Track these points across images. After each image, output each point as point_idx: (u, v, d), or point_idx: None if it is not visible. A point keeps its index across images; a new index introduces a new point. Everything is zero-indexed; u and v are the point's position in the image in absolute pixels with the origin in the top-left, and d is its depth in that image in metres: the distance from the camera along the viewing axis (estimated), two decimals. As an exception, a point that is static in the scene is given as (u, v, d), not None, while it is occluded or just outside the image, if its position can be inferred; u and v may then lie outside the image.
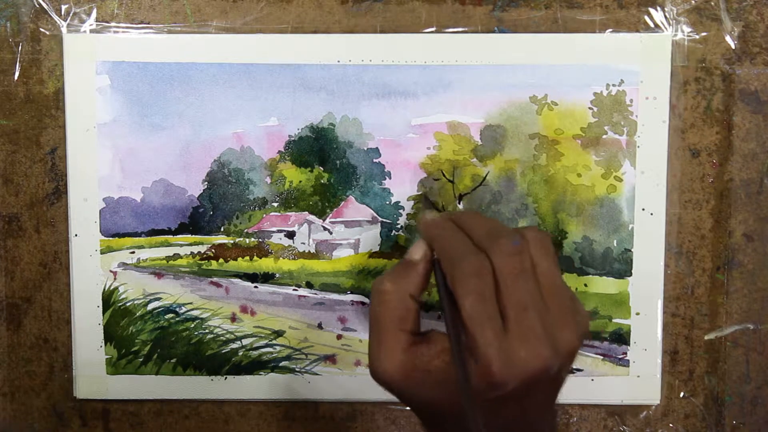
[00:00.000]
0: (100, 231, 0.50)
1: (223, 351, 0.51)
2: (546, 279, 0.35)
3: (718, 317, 0.51)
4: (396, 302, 0.36)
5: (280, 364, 0.51)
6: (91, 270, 0.50)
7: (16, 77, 0.50)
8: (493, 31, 0.49)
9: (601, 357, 0.51)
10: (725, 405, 0.51)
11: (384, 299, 0.36)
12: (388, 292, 0.36)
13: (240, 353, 0.51)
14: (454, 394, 0.34)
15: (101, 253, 0.50)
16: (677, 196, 0.50)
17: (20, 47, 0.49)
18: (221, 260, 0.51)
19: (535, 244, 0.36)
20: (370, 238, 0.51)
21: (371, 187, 0.51)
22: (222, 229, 0.51)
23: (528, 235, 0.36)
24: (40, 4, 0.49)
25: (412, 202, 0.51)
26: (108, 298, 0.51)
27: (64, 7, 0.49)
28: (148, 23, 0.50)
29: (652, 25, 0.49)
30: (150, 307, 0.51)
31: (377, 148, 0.50)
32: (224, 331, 0.51)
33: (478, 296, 0.34)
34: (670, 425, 0.51)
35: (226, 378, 0.51)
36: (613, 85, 0.49)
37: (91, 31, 0.49)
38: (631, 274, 0.50)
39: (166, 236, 0.51)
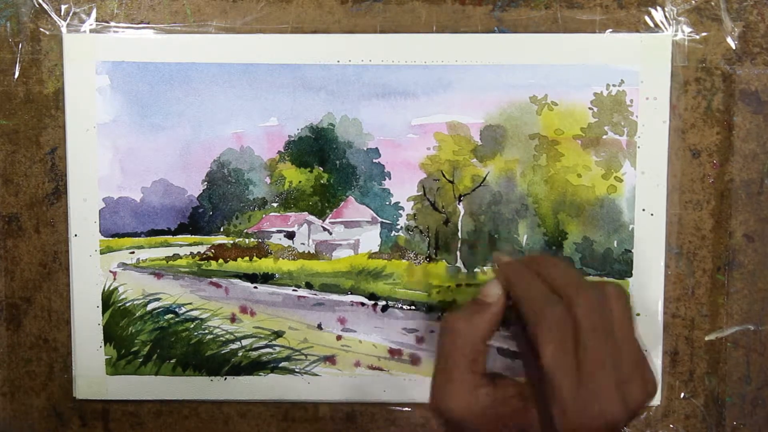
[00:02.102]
0: (100, 231, 0.50)
1: (223, 351, 0.51)
2: (622, 335, 0.36)
3: (719, 318, 0.51)
4: (468, 343, 0.37)
5: (280, 365, 0.51)
6: (91, 270, 0.50)
7: (16, 77, 0.50)
8: (493, 31, 0.49)
9: (602, 358, 0.51)
10: (726, 406, 0.51)
11: (455, 339, 0.37)
12: (460, 332, 0.37)
13: (240, 354, 0.51)
14: None
15: (101, 254, 0.50)
16: (677, 197, 0.50)
17: (20, 47, 0.49)
18: (221, 260, 0.51)
19: (615, 300, 0.37)
20: (370, 238, 0.51)
21: (371, 188, 0.50)
22: (222, 230, 0.51)
23: (608, 290, 0.37)
24: (40, 4, 0.49)
25: (412, 203, 0.51)
26: (108, 299, 0.51)
27: (64, 7, 0.49)
28: (148, 23, 0.50)
29: (652, 25, 0.49)
30: (150, 307, 0.51)
31: (377, 148, 0.50)
32: (224, 332, 0.51)
33: (559, 347, 0.34)
34: (671, 426, 0.51)
35: (225, 378, 0.51)
36: (613, 86, 0.49)
37: (91, 31, 0.49)
38: (631, 275, 0.50)
39: (166, 236, 0.51)
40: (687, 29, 0.49)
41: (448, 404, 0.37)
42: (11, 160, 0.50)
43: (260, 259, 0.51)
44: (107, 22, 0.49)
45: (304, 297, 0.51)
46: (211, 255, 0.51)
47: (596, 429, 0.34)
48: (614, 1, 0.49)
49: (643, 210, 0.50)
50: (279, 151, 0.50)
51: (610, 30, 0.49)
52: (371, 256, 0.51)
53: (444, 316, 0.39)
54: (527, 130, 0.50)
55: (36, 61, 0.50)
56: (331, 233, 0.51)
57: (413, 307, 0.51)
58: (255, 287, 0.51)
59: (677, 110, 0.49)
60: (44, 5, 0.49)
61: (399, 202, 0.51)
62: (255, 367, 0.51)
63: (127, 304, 0.51)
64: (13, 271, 0.51)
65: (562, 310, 0.35)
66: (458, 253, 0.50)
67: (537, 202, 0.50)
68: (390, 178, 0.50)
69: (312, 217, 0.51)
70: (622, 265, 0.50)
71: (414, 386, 0.51)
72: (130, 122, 0.50)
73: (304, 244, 0.51)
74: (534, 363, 0.36)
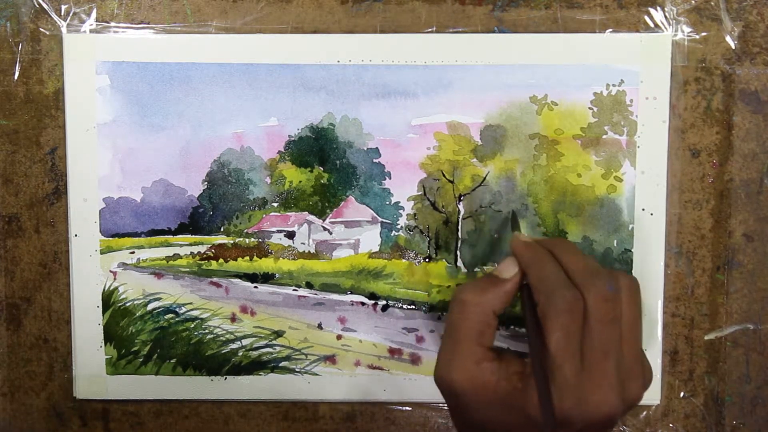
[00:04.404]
0: (100, 231, 0.50)
1: (223, 351, 0.51)
2: (628, 328, 0.36)
3: (718, 317, 0.51)
4: (477, 315, 0.37)
5: (280, 365, 0.51)
6: (91, 270, 0.50)
7: (16, 77, 0.50)
8: (493, 31, 0.49)
9: (601, 357, 0.51)
10: (725, 405, 0.51)
11: (465, 310, 0.37)
12: (471, 303, 0.37)
13: (240, 353, 0.51)
14: (513, 418, 0.35)
15: (101, 254, 0.50)
16: (677, 196, 0.50)
17: (20, 47, 0.49)
18: (221, 260, 0.51)
19: (627, 292, 0.37)
20: (370, 238, 0.51)
21: (371, 188, 0.50)
22: (222, 230, 0.51)
23: (622, 281, 0.37)
24: (40, 4, 0.49)
25: (412, 203, 0.51)
26: (108, 299, 0.51)
27: (64, 7, 0.49)
28: (148, 23, 0.50)
29: (652, 25, 0.49)
30: (150, 307, 0.51)
31: (377, 148, 0.50)
32: (224, 332, 0.51)
33: (566, 332, 0.34)
34: (670, 425, 0.51)
35: (225, 378, 0.51)
36: (613, 85, 0.49)
37: (91, 31, 0.49)
38: (631, 275, 0.50)
39: (166, 236, 0.51)
40: (687, 29, 0.49)
41: (452, 375, 0.36)
42: (11, 160, 0.50)
43: (260, 258, 0.51)
44: (107, 22, 0.49)
45: (304, 297, 0.51)
46: (212, 255, 0.51)
47: (592, 418, 0.34)
48: (614, 1, 0.49)
49: (643, 210, 0.50)
50: (279, 151, 0.50)
51: (610, 30, 0.49)
52: (371, 255, 0.51)
53: (456, 287, 0.39)
54: (527, 130, 0.50)
55: (36, 61, 0.50)
56: (331, 233, 0.51)
57: (413, 307, 0.51)
58: (255, 287, 0.51)
59: (677, 110, 0.50)
60: (44, 5, 0.49)
61: (399, 202, 0.51)
62: (255, 366, 0.51)
63: (128, 304, 0.51)
64: (13, 271, 0.51)
65: (573, 296, 0.35)
66: (458, 253, 0.51)
67: (537, 202, 0.50)
68: (390, 178, 0.50)
69: (312, 217, 0.51)
70: (622, 265, 0.50)
71: (414, 386, 0.51)
72: (130, 122, 0.50)
73: (304, 243, 0.51)
74: (539, 345, 0.35)
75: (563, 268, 0.37)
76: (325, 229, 0.51)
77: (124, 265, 0.51)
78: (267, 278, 0.51)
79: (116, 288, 0.51)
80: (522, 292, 0.38)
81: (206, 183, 0.50)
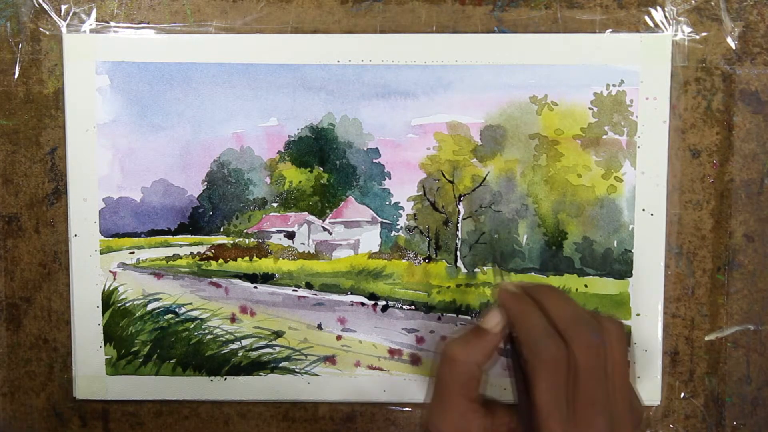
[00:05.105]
0: (100, 231, 0.50)
1: (223, 351, 0.51)
2: (617, 373, 0.36)
3: (719, 318, 0.51)
4: (463, 370, 0.37)
5: (280, 365, 0.51)
6: (91, 270, 0.50)
7: (16, 77, 0.50)
8: (493, 31, 0.49)
9: (602, 358, 0.51)
10: (726, 406, 0.51)
11: (451, 365, 0.37)
12: (457, 359, 0.38)
13: (240, 354, 0.51)
14: None
15: (101, 254, 0.50)
16: (677, 197, 0.50)
17: (20, 47, 0.49)
18: (221, 260, 0.51)
19: (612, 337, 0.37)
20: (370, 238, 0.51)
21: (371, 188, 0.50)
22: (222, 230, 0.51)
23: (606, 325, 0.37)
24: (40, 4, 0.49)
25: (412, 203, 0.51)
26: (108, 299, 0.51)
27: (64, 7, 0.49)
28: (148, 23, 0.50)
29: (652, 25, 0.49)
30: (150, 307, 0.51)
31: (377, 148, 0.50)
32: (224, 332, 0.51)
33: (551, 384, 0.34)
34: (671, 426, 0.51)
35: (225, 378, 0.51)
36: (613, 86, 0.49)
37: (91, 31, 0.49)
38: (631, 275, 0.50)
39: (166, 236, 0.51)
40: (687, 29, 0.49)
41: (439, 427, 0.37)
42: (11, 160, 0.50)
43: (260, 259, 0.51)
44: (107, 22, 0.49)
45: (304, 297, 0.51)
46: (211, 255, 0.51)
47: None
48: (614, 1, 0.49)
49: (643, 210, 0.50)
50: (279, 151, 0.50)
51: (610, 30, 0.49)
52: (371, 256, 0.51)
53: (443, 342, 0.39)
54: (527, 130, 0.50)
55: (36, 61, 0.50)
56: (331, 233, 0.51)
57: (413, 307, 0.51)
58: (255, 287, 0.51)
59: (677, 110, 0.49)
60: (44, 5, 0.49)
61: (399, 202, 0.51)
62: (255, 367, 0.51)
63: (127, 304, 0.51)
64: (13, 271, 0.51)
65: (558, 347, 0.35)
66: (458, 253, 0.51)
67: (537, 202, 0.50)
68: (390, 178, 0.50)
69: (312, 217, 0.51)
70: (622, 265, 0.50)
71: (414, 386, 0.51)
72: (130, 122, 0.50)
73: (304, 244, 0.51)
74: (526, 397, 0.36)
75: (549, 317, 0.37)
76: (325, 229, 0.51)
77: (123, 266, 0.51)
78: (267, 278, 0.51)
79: (116, 288, 0.51)
80: (509, 343, 0.39)
81: (206, 183, 0.50)
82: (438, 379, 0.38)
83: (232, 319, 0.51)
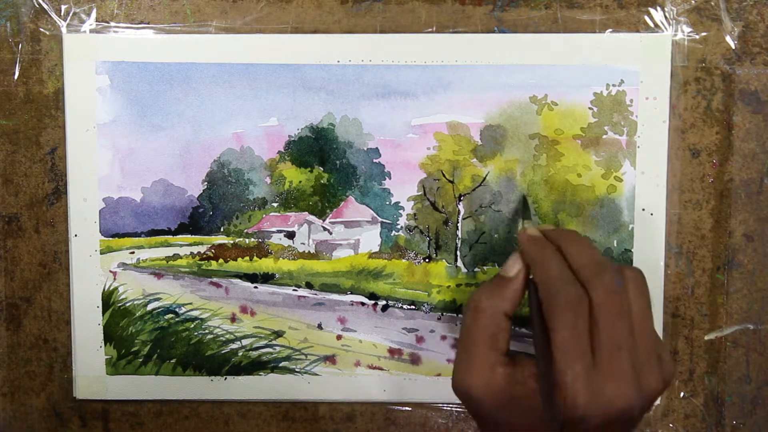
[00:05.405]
0: (100, 231, 0.50)
1: (223, 351, 0.51)
2: (639, 321, 0.36)
3: (718, 317, 0.51)
4: (490, 320, 0.37)
5: (280, 365, 0.51)
6: (91, 270, 0.50)
7: (16, 77, 0.50)
8: (493, 31, 0.49)
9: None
10: (725, 405, 0.51)
11: (477, 316, 0.37)
12: (482, 309, 0.37)
13: (240, 353, 0.51)
14: (532, 420, 0.35)
15: (101, 254, 0.50)
16: (677, 196, 0.50)
17: (20, 47, 0.49)
18: (221, 260, 0.51)
19: (634, 285, 0.36)
20: (370, 238, 0.51)
21: (371, 188, 0.50)
22: (222, 230, 0.51)
23: (628, 274, 0.36)
24: (40, 4, 0.49)
25: (412, 203, 0.51)
26: (108, 299, 0.51)
27: (64, 7, 0.49)
28: (148, 23, 0.50)
29: (652, 25, 0.49)
30: (150, 307, 0.51)
31: (377, 148, 0.50)
32: (224, 332, 0.51)
33: (571, 331, 0.34)
34: (670, 425, 0.51)
35: (225, 378, 0.51)
36: (613, 85, 0.49)
37: (91, 31, 0.49)
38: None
39: (166, 236, 0.51)
40: (687, 29, 0.49)
41: (468, 382, 0.36)
42: (11, 160, 0.50)
43: (260, 259, 0.51)
44: (107, 22, 0.49)
45: (304, 297, 0.51)
46: (211, 255, 0.51)
47: (610, 413, 0.33)
48: (614, 1, 0.49)
49: (643, 210, 0.50)
50: (279, 151, 0.50)
51: (610, 30, 0.49)
52: (371, 255, 0.51)
53: (470, 294, 0.38)
54: (527, 130, 0.50)
55: (36, 61, 0.50)
56: (331, 233, 0.51)
57: (413, 307, 0.51)
58: (255, 287, 0.51)
59: (677, 110, 0.50)
60: (44, 5, 0.49)
61: (399, 202, 0.51)
62: (255, 366, 0.51)
63: (127, 304, 0.51)
64: (13, 271, 0.51)
65: (576, 293, 0.34)
66: (458, 253, 0.51)
67: (537, 202, 0.50)
68: (390, 178, 0.50)
69: (312, 217, 0.51)
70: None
71: (414, 386, 0.51)
72: (129, 122, 0.50)
73: (304, 243, 0.51)
74: (545, 343, 0.35)
75: (569, 263, 0.36)
76: (325, 229, 0.51)
77: (123, 265, 0.51)
78: (267, 278, 0.51)
79: (116, 288, 0.51)
80: (529, 288, 0.38)
81: (206, 183, 0.50)
82: (465, 331, 0.37)
83: (233, 319, 0.51)
